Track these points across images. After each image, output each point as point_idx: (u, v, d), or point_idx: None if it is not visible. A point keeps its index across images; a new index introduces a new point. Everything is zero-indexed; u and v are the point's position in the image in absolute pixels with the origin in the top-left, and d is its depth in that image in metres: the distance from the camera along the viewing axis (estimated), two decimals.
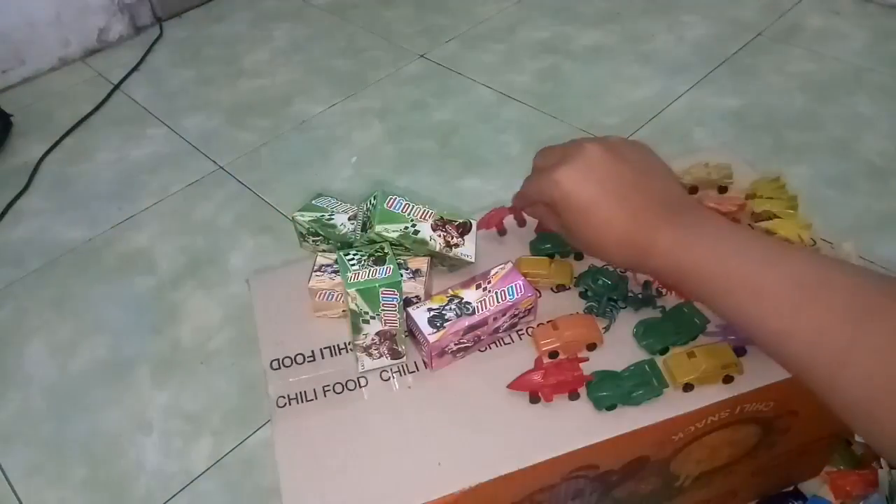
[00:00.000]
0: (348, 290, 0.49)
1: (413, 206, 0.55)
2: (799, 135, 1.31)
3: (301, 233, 0.61)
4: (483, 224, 0.62)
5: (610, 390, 0.51)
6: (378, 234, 0.54)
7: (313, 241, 0.60)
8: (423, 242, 0.55)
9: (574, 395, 0.52)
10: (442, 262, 0.58)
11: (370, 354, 0.54)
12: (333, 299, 0.57)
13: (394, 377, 0.54)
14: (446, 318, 0.52)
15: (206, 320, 1.10)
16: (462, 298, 0.53)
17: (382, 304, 0.51)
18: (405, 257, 0.56)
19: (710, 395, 0.52)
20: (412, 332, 0.54)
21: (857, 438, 0.76)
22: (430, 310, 0.53)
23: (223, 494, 0.88)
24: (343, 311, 0.57)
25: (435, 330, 0.52)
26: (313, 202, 0.61)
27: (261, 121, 1.50)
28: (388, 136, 1.42)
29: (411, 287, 0.54)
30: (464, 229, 0.57)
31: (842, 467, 0.79)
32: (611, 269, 0.61)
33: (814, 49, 1.51)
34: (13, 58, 1.66)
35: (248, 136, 1.46)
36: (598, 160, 0.47)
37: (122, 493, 0.89)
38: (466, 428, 0.51)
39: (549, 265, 0.59)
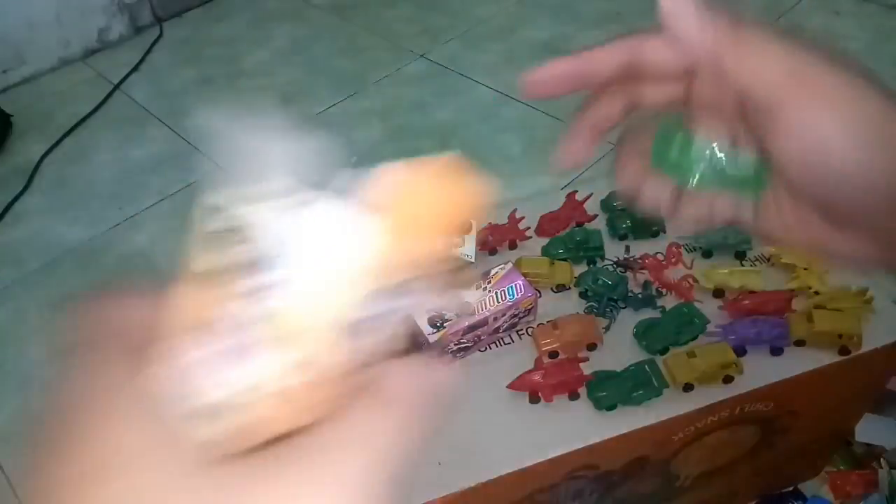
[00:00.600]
0: None
1: None
2: None
3: None
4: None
5: (610, 390, 0.51)
6: None
7: None
8: None
9: (574, 395, 0.52)
10: None
11: None
12: None
13: None
14: (446, 318, 0.52)
15: None
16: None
17: None
18: None
19: (710, 395, 0.52)
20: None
21: (857, 438, 0.76)
22: (430, 310, 0.53)
23: None
24: None
25: (435, 330, 0.52)
26: None
27: (260, 121, 1.50)
28: (388, 136, 1.42)
29: None
30: (464, 229, 0.57)
31: (842, 467, 0.79)
32: (610, 269, 0.61)
33: None
34: (13, 58, 1.66)
35: None
36: None
37: None
38: (466, 428, 0.51)
39: (549, 265, 0.59)
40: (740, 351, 0.54)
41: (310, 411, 0.17)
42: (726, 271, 0.58)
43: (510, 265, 0.55)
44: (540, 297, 0.56)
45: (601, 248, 0.62)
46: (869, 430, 0.75)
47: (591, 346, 0.55)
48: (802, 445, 0.68)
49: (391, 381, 0.19)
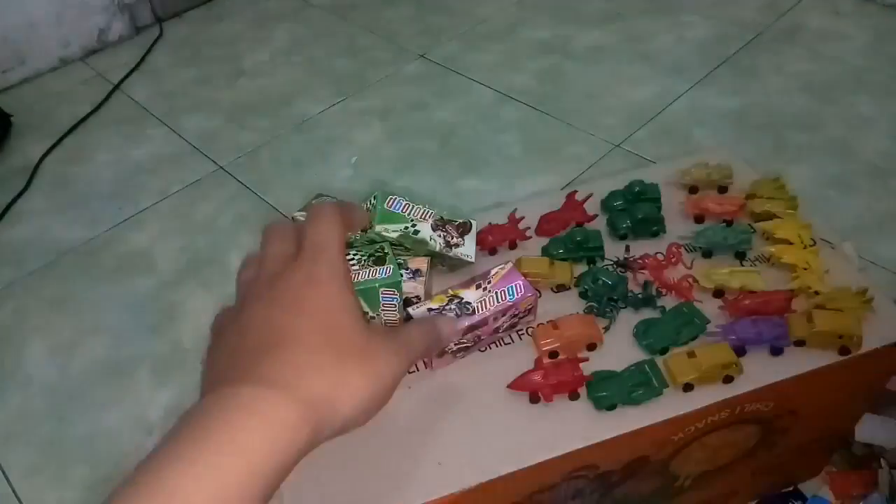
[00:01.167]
0: None
1: (413, 206, 0.55)
2: (799, 135, 1.31)
3: None
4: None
5: (610, 390, 0.51)
6: (378, 234, 0.54)
7: None
8: (423, 242, 0.55)
9: (574, 395, 0.52)
10: (442, 262, 0.58)
11: None
12: None
13: None
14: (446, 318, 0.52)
15: (206, 320, 1.09)
16: (462, 298, 0.53)
17: (382, 304, 0.50)
18: (405, 257, 0.56)
19: (710, 395, 0.52)
20: None
21: (857, 438, 0.76)
22: (430, 310, 0.53)
23: None
24: None
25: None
26: (313, 202, 0.61)
27: (261, 121, 1.50)
28: (388, 136, 1.42)
29: (411, 287, 0.54)
30: (464, 229, 0.57)
31: (842, 467, 0.79)
32: (610, 269, 0.61)
33: (814, 49, 1.51)
34: (13, 58, 1.66)
35: (248, 136, 1.46)
36: None
37: None
38: (466, 428, 0.51)
39: (549, 265, 0.59)
40: (740, 351, 0.54)
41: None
42: (726, 271, 0.58)
43: (510, 265, 0.55)
44: (540, 297, 0.56)
45: (601, 248, 0.62)
46: (869, 430, 0.75)
47: (591, 346, 0.55)
48: (802, 445, 0.68)
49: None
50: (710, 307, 0.57)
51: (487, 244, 0.62)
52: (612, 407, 0.51)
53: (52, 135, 1.51)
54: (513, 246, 0.63)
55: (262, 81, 1.62)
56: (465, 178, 1.29)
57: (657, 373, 0.52)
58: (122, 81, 1.66)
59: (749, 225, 0.64)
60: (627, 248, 0.63)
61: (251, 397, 0.30)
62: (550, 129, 1.38)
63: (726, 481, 0.67)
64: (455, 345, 0.53)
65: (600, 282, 0.58)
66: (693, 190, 0.67)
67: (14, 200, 1.36)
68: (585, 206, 0.65)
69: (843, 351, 0.54)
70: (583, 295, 0.59)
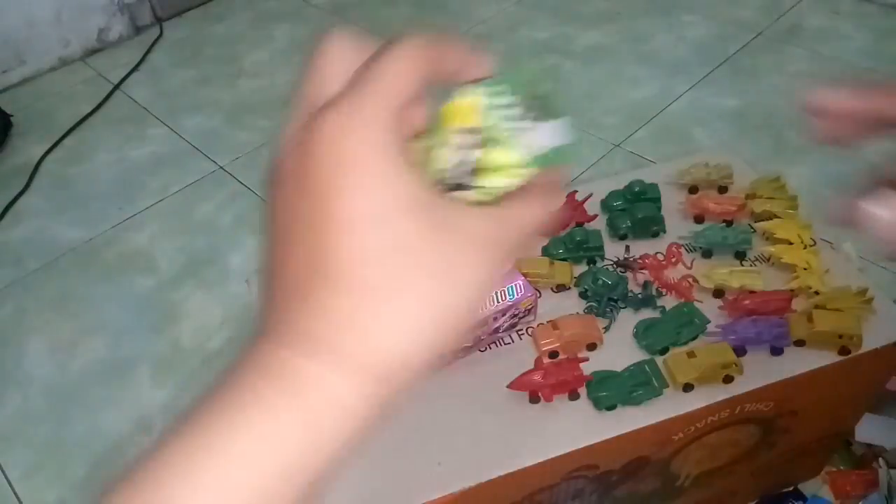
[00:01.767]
0: None
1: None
2: (799, 135, 1.31)
3: None
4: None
5: (610, 390, 0.51)
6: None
7: None
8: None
9: (574, 395, 0.52)
10: None
11: None
12: None
13: None
14: None
15: (206, 320, 1.10)
16: None
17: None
18: None
19: (710, 395, 0.52)
20: None
21: (857, 438, 0.76)
22: None
23: None
24: None
25: None
26: None
27: (261, 121, 1.50)
28: None
29: None
30: None
31: (842, 467, 0.79)
32: (610, 269, 0.61)
33: (814, 49, 1.51)
34: (13, 58, 1.66)
35: (248, 136, 1.46)
36: None
37: None
38: (466, 428, 0.51)
39: (549, 265, 0.59)
40: (740, 351, 0.54)
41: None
42: (726, 271, 0.58)
43: (510, 265, 0.55)
44: (540, 297, 0.56)
45: (601, 247, 0.62)
46: (869, 430, 0.75)
47: (591, 346, 0.55)
48: (802, 445, 0.68)
49: None
50: (710, 307, 0.57)
51: None
52: (612, 407, 0.51)
53: (52, 135, 1.51)
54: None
55: (262, 81, 1.62)
56: None
57: (657, 373, 0.52)
58: (122, 81, 1.66)
59: (749, 225, 0.64)
60: (627, 248, 0.63)
61: (293, 369, 0.23)
62: None
63: (726, 481, 0.67)
64: None
65: (600, 282, 0.58)
66: (693, 190, 0.67)
67: (14, 200, 1.36)
68: (585, 206, 0.65)
69: (843, 351, 0.54)
70: (583, 295, 0.59)
